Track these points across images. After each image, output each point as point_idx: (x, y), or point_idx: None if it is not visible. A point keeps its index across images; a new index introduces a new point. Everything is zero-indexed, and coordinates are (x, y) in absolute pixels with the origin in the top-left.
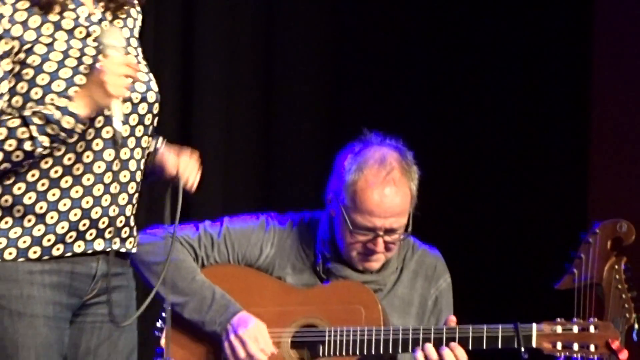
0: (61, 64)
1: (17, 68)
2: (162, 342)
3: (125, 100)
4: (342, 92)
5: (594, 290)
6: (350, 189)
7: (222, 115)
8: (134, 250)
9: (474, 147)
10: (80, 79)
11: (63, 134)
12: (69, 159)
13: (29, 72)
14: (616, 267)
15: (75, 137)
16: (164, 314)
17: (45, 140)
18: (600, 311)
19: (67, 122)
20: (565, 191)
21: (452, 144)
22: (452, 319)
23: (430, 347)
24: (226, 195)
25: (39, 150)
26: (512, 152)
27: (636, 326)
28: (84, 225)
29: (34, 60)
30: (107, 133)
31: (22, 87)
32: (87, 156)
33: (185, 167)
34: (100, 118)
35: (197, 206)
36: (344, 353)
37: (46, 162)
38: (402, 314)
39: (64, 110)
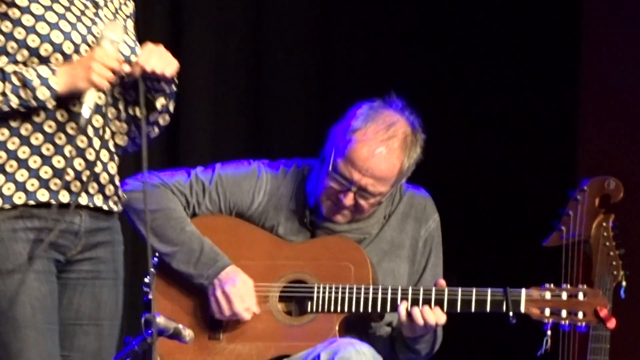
0: (49, 9)
1: (4, 8)
2: (150, 294)
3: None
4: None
5: (581, 247)
6: (349, 134)
7: (211, 59)
8: (116, 209)
9: (465, 107)
10: (64, 25)
11: (34, 103)
12: (54, 106)
13: (15, 12)
14: (604, 224)
15: (42, 113)
16: (152, 269)
17: (14, 102)
18: (588, 268)
19: (43, 93)
20: (554, 149)
21: (444, 104)
22: (442, 282)
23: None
24: (215, 141)
25: (5, 108)
26: (502, 111)
27: (624, 284)
28: (68, 174)
29: (22, 1)
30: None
31: (6, 25)
32: (73, 103)
33: (147, 55)
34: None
35: (186, 152)
36: (332, 310)
37: (37, 115)
38: (392, 257)
39: (44, 81)
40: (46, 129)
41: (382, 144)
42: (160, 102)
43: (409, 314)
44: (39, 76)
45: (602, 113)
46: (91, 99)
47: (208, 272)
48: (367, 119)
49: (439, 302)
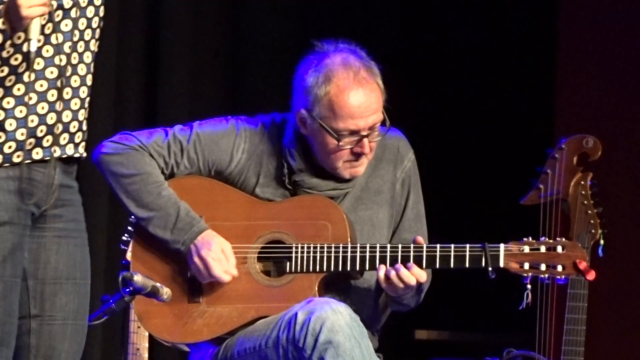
0: None
1: None
2: (128, 255)
3: (70, 7)
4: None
5: (559, 205)
6: (325, 99)
7: (189, 18)
8: (85, 155)
9: (444, 67)
10: None
11: None
12: (21, 67)
13: None
14: (582, 182)
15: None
16: (130, 228)
17: None
18: (566, 227)
19: None
20: (532, 107)
21: (423, 64)
22: (420, 239)
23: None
24: (193, 99)
25: None
26: (479, 69)
27: (602, 242)
28: (41, 131)
29: None
30: (56, 39)
31: None
32: (38, 63)
33: None
34: (50, 25)
35: (163, 108)
36: (310, 269)
37: (1, 71)
38: (368, 204)
39: None
40: (15, 92)
41: (358, 82)
42: None
43: (387, 278)
44: None
45: (579, 71)
46: (35, 31)
47: (184, 237)
48: (326, 76)
49: (418, 259)
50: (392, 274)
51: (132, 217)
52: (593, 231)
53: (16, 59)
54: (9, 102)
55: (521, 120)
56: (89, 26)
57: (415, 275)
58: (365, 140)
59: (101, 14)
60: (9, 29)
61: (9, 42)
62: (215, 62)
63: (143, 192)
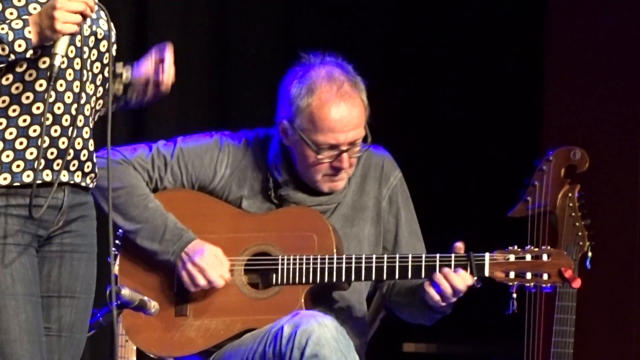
0: None
1: None
2: (115, 269)
3: (88, 35)
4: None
5: (547, 218)
6: (306, 111)
7: (177, 26)
8: (91, 186)
9: (431, 77)
10: None
11: (13, 56)
12: (40, 84)
13: None
14: (570, 194)
15: (24, 64)
16: (117, 242)
17: None
18: (554, 239)
19: (19, 45)
20: (519, 118)
21: (409, 72)
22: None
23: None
24: (180, 115)
25: None
26: (468, 81)
27: (590, 254)
28: (52, 154)
29: None
30: (77, 65)
31: None
32: (60, 85)
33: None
34: (72, 48)
35: (151, 125)
36: (297, 281)
37: (17, 88)
38: (355, 221)
39: (18, 33)
40: (34, 110)
41: (340, 97)
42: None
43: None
44: (11, 29)
45: (567, 83)
46: (62, 47)
47: (173, 247)
48: (309, 88)
49: (403, 270)
50: (441, 279)
51: (120, 230)
52: (581, 243)
53: (30, 75)
54: (25, 120)
55: (509, 132)
56: (99, 59)
57: (463, 278)
58: (345, 155)
59: (113, 52)
60: (35, 39)
61: (30, 53)
62: (202, 76)
63: (129, 205)
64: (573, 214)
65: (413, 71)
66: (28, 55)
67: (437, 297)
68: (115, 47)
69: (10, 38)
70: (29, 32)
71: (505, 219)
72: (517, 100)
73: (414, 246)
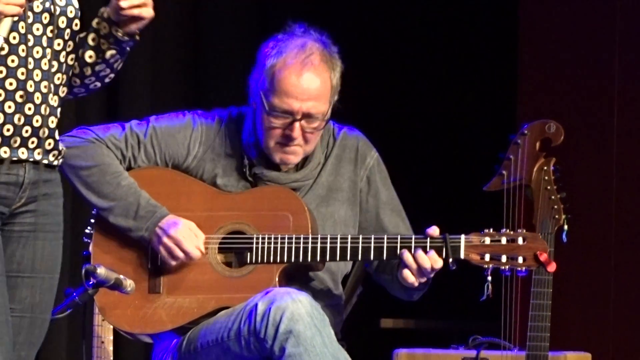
0: None
1: None
2: (90, 247)
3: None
4: None
5: (523, 191)
6: (269, 71)
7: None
8: (56, 163)
9: (405, 53)
10: None
11: None
12: None
13: None
14: (545, 168)
15: None
16: (92, 220)
17: None
18: (530, 213)
19: None
20: (493, 92)
21: (385, 50)
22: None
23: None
24: (154, 97)
25: None
26: (442, 56)
27: (565, 227)
28: (8, 130)
29: None
30: (29, 41)
31: None
32: (12, 60)
33: None
34: (22, 24)
35: (125, 105)
36: (271, 260)
37: None
38: (330, 202)
39: None
40: None
41: (304, 65)
42: (110, 52)
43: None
44: None
45: (541, 57)
46: (5, 28)
47: (147, 224)
48: (279, 50)
49: (378, 250)
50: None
51: (94, 209)
52: (557, 216)
53: None
54: None
55: (483, 107)
56: (59, 36)
57: (432, 259)
58: (297, 124)
59: (75, 27)
60: None
61: None
62: (175, 55)
63: (102, 183)
64: (549, 187)
65: (387, 47)
66: None
67: (408, 277)
68: (77, 22)
69: None
70: None
71: (481, 193)
72: (491, 74)
73: (397, 224)
